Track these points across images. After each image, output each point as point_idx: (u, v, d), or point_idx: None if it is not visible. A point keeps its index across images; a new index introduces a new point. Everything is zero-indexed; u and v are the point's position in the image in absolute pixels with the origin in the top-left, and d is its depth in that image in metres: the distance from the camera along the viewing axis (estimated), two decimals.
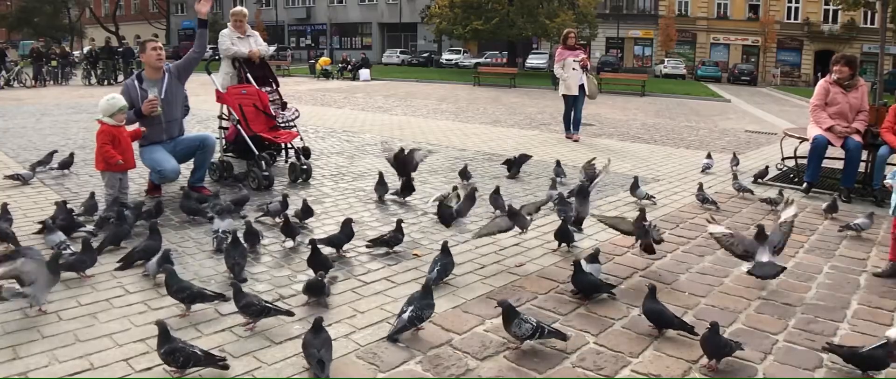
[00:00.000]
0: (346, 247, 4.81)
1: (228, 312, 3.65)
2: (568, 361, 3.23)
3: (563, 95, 11.65)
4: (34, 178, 6.96)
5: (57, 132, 10.83)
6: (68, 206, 5.31)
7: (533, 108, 18.49)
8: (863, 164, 7.40)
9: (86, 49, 32.26)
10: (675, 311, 3.61)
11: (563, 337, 3.32)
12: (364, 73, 33.40)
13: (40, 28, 53.69)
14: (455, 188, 6.11)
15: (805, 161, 7.47)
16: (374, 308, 3.81)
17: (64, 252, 4.24)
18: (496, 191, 6.15)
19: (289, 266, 4.51)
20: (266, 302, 3.50)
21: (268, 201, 5.89)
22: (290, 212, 5.47)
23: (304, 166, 7.35)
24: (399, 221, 5.03)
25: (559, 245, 5.06)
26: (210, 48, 7.61)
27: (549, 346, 3.37)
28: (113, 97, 5.72)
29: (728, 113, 20.49)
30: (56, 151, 7.73)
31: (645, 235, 4.74)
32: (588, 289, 3.95)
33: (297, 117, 7.92)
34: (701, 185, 6.81)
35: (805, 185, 7.32)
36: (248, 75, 7.88)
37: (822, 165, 7.39)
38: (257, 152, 7.05)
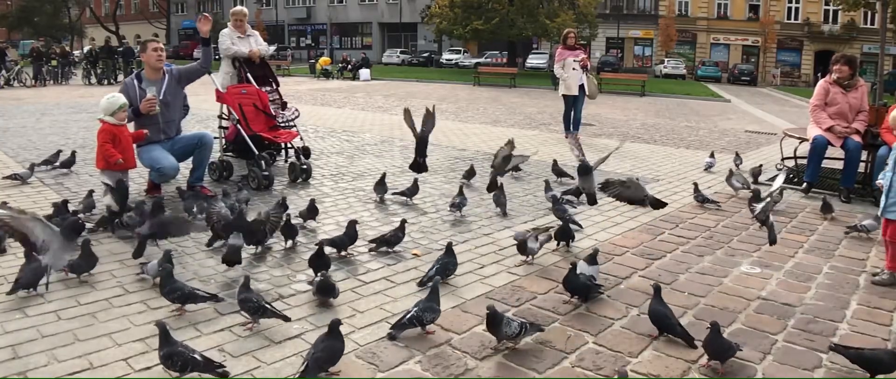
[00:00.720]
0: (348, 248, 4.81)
1: (228, 311, 3.65)
2: (567, 361, 3.24)
3: (563, 95, 11.65)
4: (32, 177, 6.95)
5: (57, 132, 10.83)
6: (69, 205, 5.32)
7: (533, 108, 18.49)
8: (862, 165, 7.40)
9: (86, 49, 32.27)
10: (675, 311, 3.60)
11: (541, 328, 3.39)
12: (364, 72, 33.39)
13: (40, 27, 53.69)
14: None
15: (805, 161, 7.47)
16: (374, 308, 3.81)
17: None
18: (501, 189, 6.26)
19: (289, 266, 4.51)
20: (265, 303, 3.49)
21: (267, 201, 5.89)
22: (294, 211, 5.47)
23: (304, 166, 7.35)
24: (403, 221, 5.05)
25: (558, 244, 5.05)
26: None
27: (549, 345, 3.37)
28: (113, 96, 5.73)
29: (728, 113, 20.49)
30: (61, 150, 7.75)
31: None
32: (580, 291, 3.92)
33: (297, 117, 7.92)
34: (696, 185, 6.81)
35: (805, 185, 7.32)
36: (248, 75, 7.87)
37: (822, 166, 7.39)
38: (257, 152, 7.05)
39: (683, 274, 4.57)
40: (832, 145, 7.16)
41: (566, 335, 3.51)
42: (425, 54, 56.73)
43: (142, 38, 65.98)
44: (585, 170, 5.14)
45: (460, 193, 6.02)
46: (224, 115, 8.03)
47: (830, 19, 49.73)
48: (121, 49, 29.78)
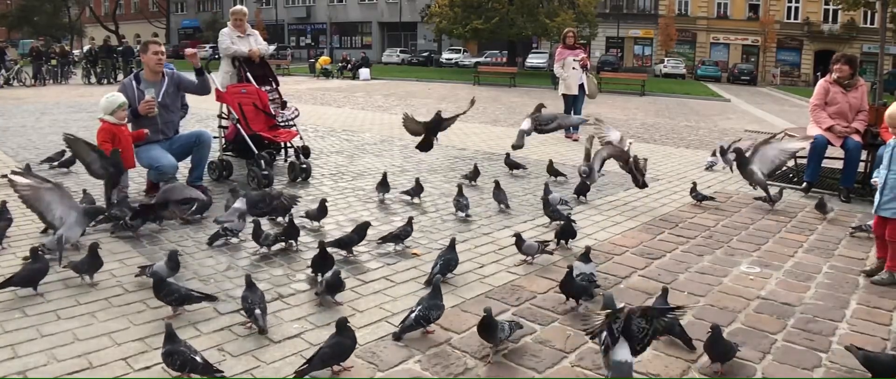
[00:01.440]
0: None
1: (227, 311, 3.66)
2: (567, 361, 3.24)
3: (563, 95, 11.65)
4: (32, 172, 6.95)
5: (57, 131, 10.81)
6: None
7: (533, 108, 18.45)
8: (862, 164, 7.40)
9: (85, 48, 32.26)
10: None
11: (520, 326, 3.41)
12: (364, 72, 33.38)
13: (40, 27, 53.69)
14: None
15: (805, 161, 7.47)
16: (373, 307, 3.81)
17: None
18: (497, 186, 6.31)
19: (289, 266, 4.50)
20: (260, 305, 3.48)
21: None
22: (299, 211, 5.49)
23: (304, 165, 7.35)
24: (410, 218, 5.08)
25: (558, 243, 5.04)
26: (210, 47, 7.64)
27: (549, 345, 3.38)
28: (113, 95, 5.73)
29: (728, 113, 20.49)
30: (65, 150, 7.76)
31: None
32: (579, 294, 3.88)
33: (296, 116, 7.91)
34: (694, 184, 6.80)
35: (805, 184, 7.32)
36: (248, 74, 7.87)
37: (822, 165, 7.39)
38: (257, 151, 7.05)
39: (683, 274, 4.56)
40: (832, 145, 7.16)
41: (566, 335, 3.51)
42: (425, 54, 56.72)
43: (141, 37, 66.11)
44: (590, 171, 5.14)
45: (460, 192, 6.00)
46: (224, 115, 8.02)
47: (830, 19, 49.74)
48: (120, 48, 29.76)
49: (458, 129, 12.48)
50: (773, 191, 6.70)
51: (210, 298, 3.67)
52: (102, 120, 5.60)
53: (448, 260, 4.25)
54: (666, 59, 50.36)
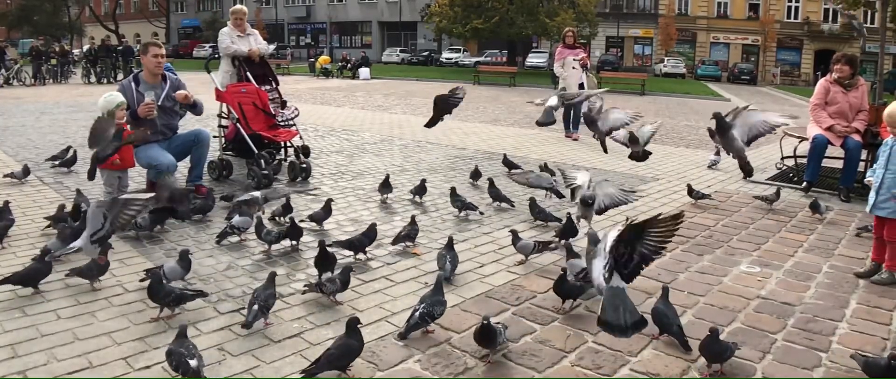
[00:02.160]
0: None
1: (227, 310, 3.66)
2: (567, 360, 3.24)
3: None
4: (30, 176, 6.95)
5: (56, 131, 10.83)
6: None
7: (533, 107, 18.46)
8: (862, 164, 7.40)
9: (85, 48, 32.25)
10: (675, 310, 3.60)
11: (506, 327, 3.38)
12: (364, 71, 33.37)
13: (40, 26, 53.63)
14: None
15: (805, 160, 7.47)
16: (373, 307, 3.81)
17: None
18: (492, 183, 6.42)
19: (288, 265, 4.51)
20: (260, 302, 3.47)
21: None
22: (305, 211, 5.50)
23: (304, 165, 7.35)
24: (413, 217, 5.10)
25: (560, 240, 5.03)
26: (210, 47, 7.64)
27: (549, 344, 3.38)
28: (111, 94, 5.72)
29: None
30: (71, 147, 7.79)
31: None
32: (574, 294, 3.86)
33: (296, 116, 7.91)
34: (689, 185, 6.78)
35: (804, 184, 7.32)
36: (248, 74, 7.87)
37: (822, 165, 7.39)
38: (257, 151, 7.05)
39: (683, 273, 4.56)
40: (832, 145, 7.16)
41: (565, 334, 3.51)
42: (425, 53, 56.70)
43: (141, 36, 66.20)
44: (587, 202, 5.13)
45: (454, 194, 5.98)
46: (224, 114, 8.03)
47: (830, 18, 49.70)
48: (120, 48, 29.75)
49: (458, 129, 12.50)
50: (771, 191, 6.69)
51: (201, 293, 3.68)
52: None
53: (453, 259, 4.29)
54: (666, 58, 50.34)
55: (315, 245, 4.74)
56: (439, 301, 3.47)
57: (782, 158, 8.64)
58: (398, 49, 58.28)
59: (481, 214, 5.92)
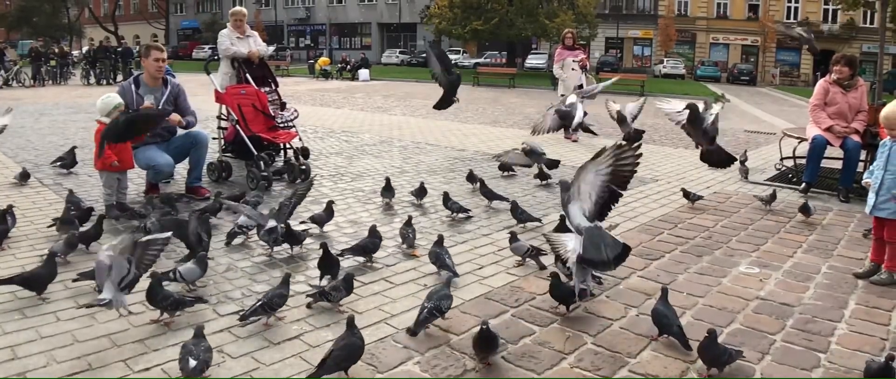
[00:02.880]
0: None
1: (226, 312, 3.66)
2: (566, 362, 3.24)
3: (562, 96, 11.64)
4: (31, 178, 6.95)
5: (56, 132, 10.84)
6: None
7: (532, 109, 18.48)
8: (861, 164, 7.40)
9: (84, 49, 32.25)
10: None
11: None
12: (363, 73, 33.39)
13: (39, 28, 53.63)
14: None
15: (804, 161, 7.48)
16: (373, 308, 3.81)
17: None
18: (483, 183, 6.52)
19: (288, 268, 4.50)
20: (265, 302, 3.49)
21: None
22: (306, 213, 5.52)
23: (303, 166, 7.35)
24: (409, 217, 5.14)
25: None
26: (209, 48, 7.65)
27: (548, 346, 3.38)
28: (109, 96, 5.72)
29: (727, 113, 20.43)
30: (76, 147, 7.81)
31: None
32: (567, 297, 3.81)
33: (295, 117, 7.92)
34: (684, 189, 6.77)
35: (803, 185, 7.32)
36: (247, 75, 7.88)
37: (821, 165, 7.39)
38: (256, 152, 7.06)
39: (682, 274, 4.57)
40: (831, 145, 7.17)
41: (565, 336, 3.51)
42: (424, 55, 56.69)
43: (141, 38, 66.17)
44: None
45: (447, 198, 5.97)
46: (223, 116, 8.03)
47: (830, 19, 49.74)
48: (119, 49, 29.74)
49: (457, 130, 12.52)
50: (768, 192, 6.69)
51: (201, 300, 3.67)
52: (99, 121, 5.59)
53: (449, 255, 4.38)
54: (665, 59, 50.36)
55: (316, 247, 4.77)
56: (446, 295, 3.53)
57: (781, 159, 8.64)
58: (397, 50, 58.26)
59: (470, 216, 5.91)
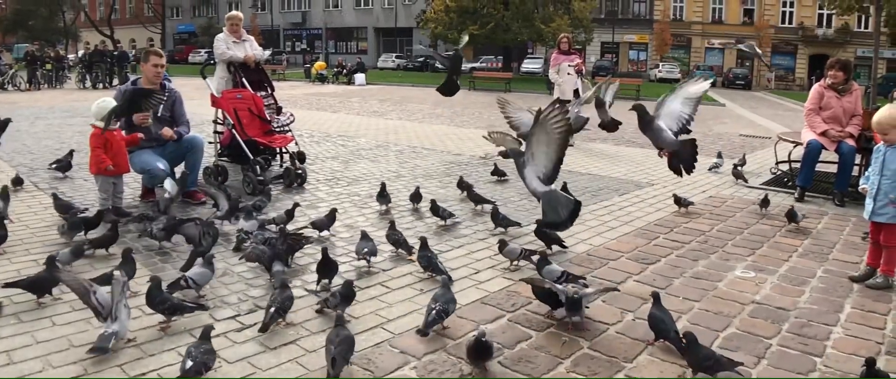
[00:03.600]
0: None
1: (222, 317, 3.65)
2: (562, 367, 3.24)
3: (558, 100, 11.65)
4: (24, 183, 6.93)
5: (51, 136, 10.82)
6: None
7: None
8: (856, 168, 7.42)
9: (80, 53, 32.21)
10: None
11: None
12: (359, 77, 33.43)
13: (35, 31, 53.57)
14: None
15: (799, 165, 7.49)
16: (369, 313, 3.81)
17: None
18: (469, 189, 6.60)
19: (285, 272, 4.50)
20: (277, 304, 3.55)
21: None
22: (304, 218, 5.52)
23: (299, 171, 7.35)
24: (391, 222, 5.13)
25: (549, 247, 5.03)
26: (206, 52, 7.64)
27: (544, 350, 3.39)
28: (104, 101, 5.71)
29: (722, 117, 20.55)
30: (74, 150, 7.80)
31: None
32: (553, 298, 3.77)
33: (292, 122, 7.92)
34: (675, 195, 6.73)
35: (798, 189, 7.34)
36: (244, 80, 7.87)
37: (816, 169, 7.41)
38: (252, 157, 7.05)
39: (678, 279, 4.57)
40: (826, 149, 7.19)
41: (561, 341, 3.51)
42: (420, 59, 56.70)
43: (137, 42, 66.08)
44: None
45: (434, 207, 5.93)
46: (219, 120, 8.02)
47: (824, 23, 49.92)
48: (115, 53, 29.71)
49: (453, 135, 12.53)
50: (760, 195, 6.70)
51: (201, 307, 3.67)
52: (94, 126, 5.58)
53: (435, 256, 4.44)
54: (661, 63, 50.47)
55: (311, 250, 4.77)
56: (451, 298, 3.61)
57: (777, 163, 8.66)
58: (394, 55, 58.27)
59: (458, 222, 5.89)
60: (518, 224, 5.64)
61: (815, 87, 7.57)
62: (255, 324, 3.55)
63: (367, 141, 11.36)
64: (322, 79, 34.46)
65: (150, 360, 3.15)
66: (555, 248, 5.06)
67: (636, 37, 54.59)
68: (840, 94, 7.28)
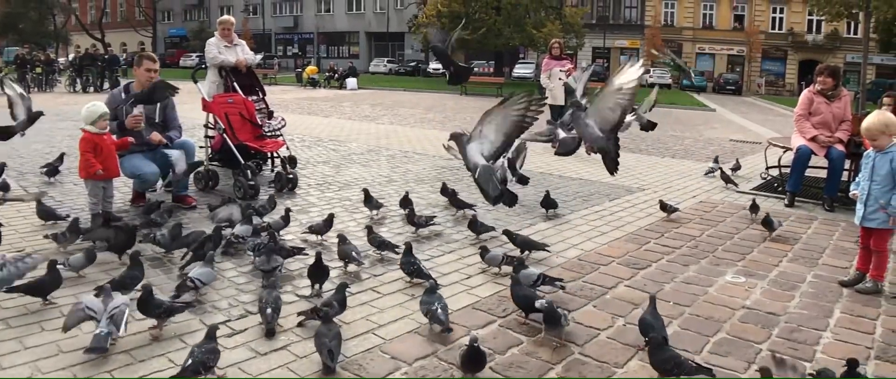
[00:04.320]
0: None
1: (213, 323, 3.64)
2: (553, 372, 3.24)
3: (549, 105, 11.69)
4: (10, 189, 6.87)
5: (41, 140, 10.77)
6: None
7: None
8: (845, 174, 7.47)
9: (71, 56, 32.09)
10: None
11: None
12: (351, 81, 33.40)
13: (26, 34, 53.27)
14: None
15: (789, 170, 7.54)
16: (360, 319, 3.80)
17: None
18: (453, 195, 6.58)
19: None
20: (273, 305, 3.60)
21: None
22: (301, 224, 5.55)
23: (290, 175, 7.34)
24: (368, 226, 5.17)
25: (523, 253, 5.03)
26: (197, 56, 7.63)
27: (535, 356, 3.39)
28: (93, 104, 5.67)
29: (713, 122, 20.64)
30: (64, 154, 7.79)
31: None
32: (531, 304, 3.73)
33: (283, 126, 7.90)
34: (661, 201, 6.74)
35: (788, 194, 7.37)
36: (235, 84, 7.85)
37: (806, 174, 7.45)
38: (243, 161, 7.03)
39: (669, 284, 4.58)
40: (816, 155, 7.23)
41: (552, 346, 3.51)
42: (412, 64, 56.73)
43: (128, 46, 65.83)
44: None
45: (411, 212, 5.88)
46: (210, 125, 8.00)
47: (814, 29, 50.23)
48: (106, 57, 29.60)
49: (444, 139, 12.50)
50: (761, 201, 6.73)
51: (189, 304, 3.67)
52: (84, 129, 5.56)
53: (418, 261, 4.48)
54: (652, 69, 50.63)
55: (301, 255, 4.76)
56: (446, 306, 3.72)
57: (767, 168, 8.70)
58: (386, 59, 58.29)
59: (436, 229, 5.83)
60: (492, 229, 5.63)
61: (805, 92, 7.62)
62: (245, 329, 3.55)
63: (358, 145, 11.35)
64: (314, 83, 34.43)
65: (139, 365, 3.14)
66: (541, 254, 5.08)
67: (627, 42, 54.72)
68: (829, 100, 7.32)
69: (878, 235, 4.48)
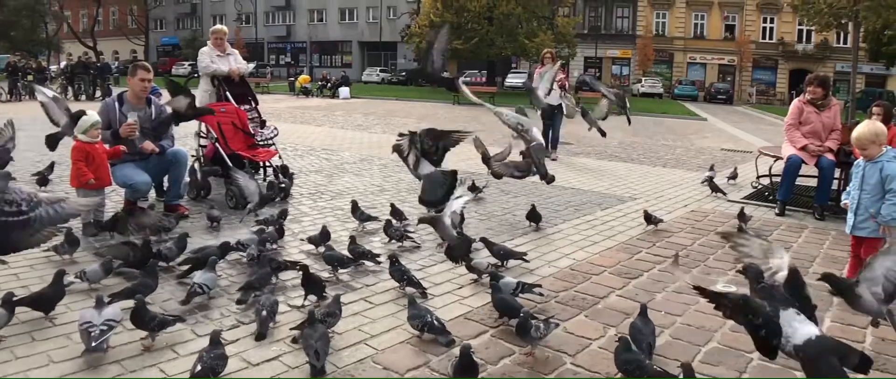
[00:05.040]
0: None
1: (204, 333, 3.62)
2: None
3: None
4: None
5: (32, 147, 10.69)
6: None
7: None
8: (835, 182, 7.52)
9: (62, 64, 32.01)
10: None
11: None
12: (344, 91, 33.41)
13: (17, 42, 53.09)
14: None
15: (779, 179, 7.58)
16: (352, 329, 3.79)
17: None
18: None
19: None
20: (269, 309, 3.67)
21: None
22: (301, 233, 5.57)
23: (283, 184, 7.33)
24: (352, 236, 5.19)
25: (501, 265, 5.04)
26: (189, 65, 7.62)
27: (527, 366, 3.39)
28: (85, 114, 5.67)
29: (704, 131, 20.72)
30: (54, 162, 7.87)
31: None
32: (514, 311, 3.75)
33: (275, 135, 7.90)
34: (646, 211, 6.69)
35: (779, 203, 7.41)
36: (227, 93, 7.85)
37: (797, 183, 7.49)
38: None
39: (660, 293, 4.60)
40: (806, 164, 7.27)
41: (544, 356, 3.52)
42: (405, 73, 56.77)
43: (120, 54, 65.67)
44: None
45: (388, 224, 5.85)
46: (202, 134, 7.99)
47: (804, 39, 50.54)
48: (98, 65, 29.54)
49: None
50: (751, 210, 6.76)
51: (179, 318, 3.64)
52: (75, 138, 5.55)
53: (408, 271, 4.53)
54: (643, 78, 50.86)
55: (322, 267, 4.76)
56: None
57: (758, 177, 8.75)
58: (378, 69, 58.30)
59: (414, 243, 5.73)
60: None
61: (795, 102, 7.67)
62: (237, 339, 3.54)
63: (350, 155, 11.35)
64: (306, 92, 34.42)
65: (130, 376, 3.12)
66: (532, 262, 5.09)
67: (619, 52, 54.98)
68: (819, 110, 7.37)
69: (869, 244, 4.51)
